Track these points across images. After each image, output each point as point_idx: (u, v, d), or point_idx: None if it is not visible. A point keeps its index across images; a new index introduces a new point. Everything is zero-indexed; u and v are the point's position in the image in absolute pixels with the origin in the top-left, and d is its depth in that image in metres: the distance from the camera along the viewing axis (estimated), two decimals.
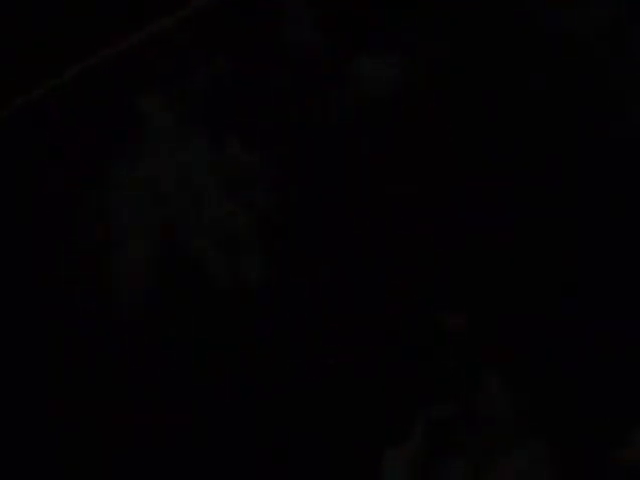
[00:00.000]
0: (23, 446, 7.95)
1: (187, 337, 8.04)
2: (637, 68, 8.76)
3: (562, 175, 8.45)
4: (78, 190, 8.36)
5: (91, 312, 8.08)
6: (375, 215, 8.39)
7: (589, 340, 7.13)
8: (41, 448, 8.06)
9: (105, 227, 7.94)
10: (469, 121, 8.94)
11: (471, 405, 6.59)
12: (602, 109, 8.76)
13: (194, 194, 7.89)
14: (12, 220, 8.45)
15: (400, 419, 6.95)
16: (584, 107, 8.62)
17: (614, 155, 8.51)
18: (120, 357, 8.09)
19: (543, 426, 6.39)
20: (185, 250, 7.97)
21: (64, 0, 8.47)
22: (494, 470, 6.18)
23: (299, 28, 8.59)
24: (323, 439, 7.35)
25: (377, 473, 6.77)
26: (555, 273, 7.84)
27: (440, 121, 8.99)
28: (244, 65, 9.12)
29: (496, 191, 8.52)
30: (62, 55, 8.32)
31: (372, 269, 8.07)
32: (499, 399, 6.39)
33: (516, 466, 6.05)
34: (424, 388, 7.12)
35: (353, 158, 8.91)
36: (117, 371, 8.05)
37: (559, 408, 6.68)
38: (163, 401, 7.95)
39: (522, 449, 6.12)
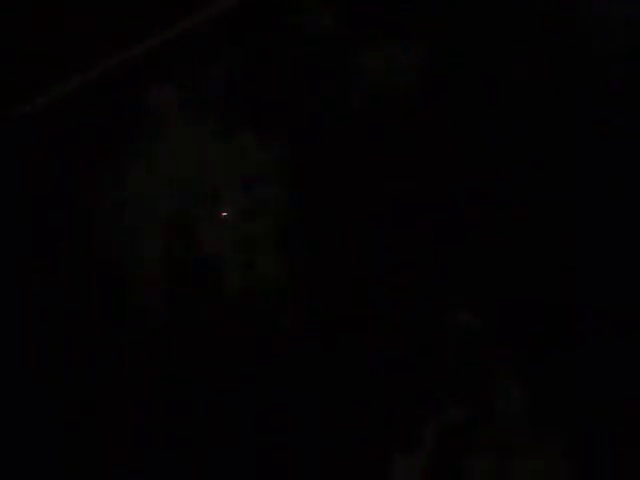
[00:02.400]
0: (32, 451, 7.83)
1: (202, 339, 7.97)
2: (637, 66, 8.84)
3: (567, 171, 8.47)
4: (93, 190, 8.35)
5: (106, 314, 8.00)
6: (386, 212, 8.37)
7: (605, 337, 7.11)
8: (48, 451, 7.94)
9: (119, 226, 7.91)
10: (477, 114, 8.94)
11: (486, 408, 6.51)
12: (602, 104, 8.82)
13: (210, 192, 7.87)
14: (27, 220, 8.41)
15: (410, 424, 6.85)
16: (585, 102, 8.67)
17: (614, 152, 8.55)
18: (134, 358, 7.98)
19: (560, 427, 6.34)
20: (200, 249, 7.95)
21: (71, 2, 8.54)
22: (510, 474, 6.09)
23: (316, 19, 8.62)
24: (329, 445, 7.24)
25: (389, 476, 6.65)
26: (568, 268, 7.84)
27: (455, 112, 8.99)
28: (258, 57, 9.15)
29: (503, 187, 8.52)
30: (73, 57, 8.37)
31: (384, 268, 8.06)
32: (515, 400, 6.33)
33: (533, 468, 6.00)
34: (436, 391, 7.05)
35: (369, 152, 8.90)
36: (130, 371, 7.93)
37: (576, 407, 6.63)
38: (176, 402, 7.83)
39: (539, 451, 6.06)
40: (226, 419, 7.48)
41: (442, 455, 6.41)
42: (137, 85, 8.12)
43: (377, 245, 7.95)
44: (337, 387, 7.37)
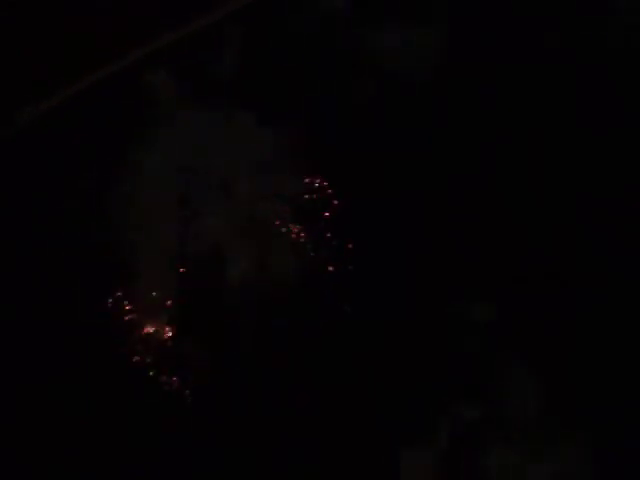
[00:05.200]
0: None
1: (212, 330, 7.76)
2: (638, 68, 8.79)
3: (581, 169, 8.37)
4: (106, 180, 8.02)
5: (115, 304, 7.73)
6: (400, 205, 8.21)
7: (622, 331, 7.04)
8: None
9: (132, 216, 7.64)
10: (495, 101, 8.74)
11: (501, 404, 6.28)
12: (603, 107, 8.76)
13: (219, 178, 7.63)
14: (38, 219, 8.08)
15: (424, 420, 6.62)
16: (589, 103, 8.62)
17: (615, 152, 8.52)
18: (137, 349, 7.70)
19: (576, 423, 6.15)
20: (212, 238, 7.72)
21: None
22: (525, 472, 5.90)
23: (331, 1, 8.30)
24: (340, 440, 7.06)
25: (398, 477, 6.40)
26: (586, 264, 7.76)
27: (473, 98, 8.79)
28: (265, 39, 8.84)
29: (521, 183, 8.43)
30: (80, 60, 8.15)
31: (398, 260, 7.93)
32: (530, 396, 6.13)
33: (548, 466, 5.82)
34: (450, 387, 6.81)
35: (378, 139, 8.68)
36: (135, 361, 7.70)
37: (593, 403, 6.47)
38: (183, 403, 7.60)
39: (554, 449, 5.90)
40: (237, 410, 7.31)
41: (454, 452, 6.20)
42: (135, 72, 7.92)
43: (392, 236, 7.79)
44: (349, 382, 7.21)
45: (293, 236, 7.59)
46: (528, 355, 7.17)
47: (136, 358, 7.36)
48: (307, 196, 7.36)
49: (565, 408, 6.58)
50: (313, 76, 8.07)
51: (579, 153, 10.23)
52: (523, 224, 8.94)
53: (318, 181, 7.48)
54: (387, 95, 8.29)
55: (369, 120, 7.91)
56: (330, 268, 7.51)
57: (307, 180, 7.39)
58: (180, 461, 8.29)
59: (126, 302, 7.38)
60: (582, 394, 6.71)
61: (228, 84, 7.81)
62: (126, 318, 7.30)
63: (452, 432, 6.56)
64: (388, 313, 7.54)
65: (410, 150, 8.38)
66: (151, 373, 7.42)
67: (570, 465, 6.28)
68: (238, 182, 7.57)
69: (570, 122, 9.88)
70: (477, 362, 7.17)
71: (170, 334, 7.27)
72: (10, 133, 7.54)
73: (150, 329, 7.36)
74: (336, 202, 7.54)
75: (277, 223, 7.34)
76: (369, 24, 8.83)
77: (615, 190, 10.14)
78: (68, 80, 7.27)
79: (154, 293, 7.17)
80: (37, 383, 8.23)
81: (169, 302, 7.30)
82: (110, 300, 7.26)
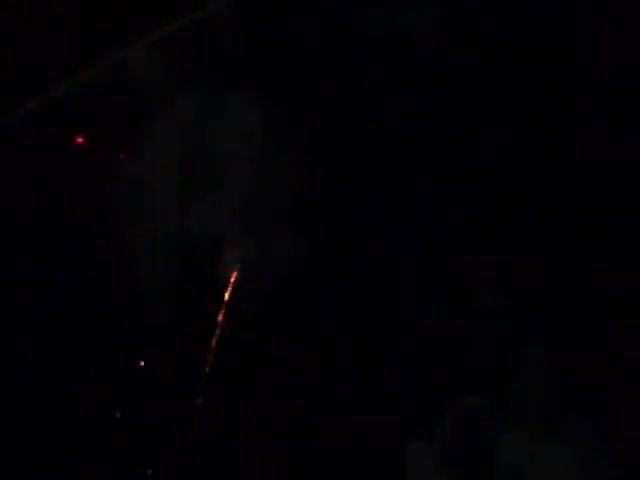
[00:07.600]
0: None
1: (208, 317, 7.75)
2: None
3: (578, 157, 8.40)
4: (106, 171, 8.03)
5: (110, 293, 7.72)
6: (404, 192, 8.19)
7: (629, 319, 6.97)
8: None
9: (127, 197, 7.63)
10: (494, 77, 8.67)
11: (505, 395, 6.21)
12: (601, 108, 8.77)
13: (215, 162, 7.60)
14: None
15: (427, 412, 6.56)
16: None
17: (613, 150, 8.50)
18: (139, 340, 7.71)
19: (581, 416, 6.05)
20: (211, 225, 7.70)
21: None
22: (528, 467, 5.82)
23: None
24: (345, 431, 6.99)
25: (402, 470, 6.32)
26: (586, 258, 7.71)
27: (470, 73, 8.73)
28: (258, 17, 8.81)
29: (525, 172, 8.43)
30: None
31: (399, 250, 7.89)
32: (534, 386, 6.08)
33: (551, 462, 5.74)
34: (454, 378, 6.74)
35: (377, 121, 8.65)
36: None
37: (599, 396, 6.35)
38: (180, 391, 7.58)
39: (557, 442, 5.81)
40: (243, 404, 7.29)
41: (458, 443, 6.14)
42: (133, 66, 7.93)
43: (393, 226, 7.75)
44: (354, 372, 7.15)
45: (292, 222, 7.56)
46: (532, 349, 7.15)
47: (135, 355, 7.37)
48: (306, 182, 7.35)
49: (570, 400, 6.55)
50: (310, 52, 8.06)
51: (579, 143, 10.30)
52: (524, 216, 8.97)
53: (318, 167, 7.48)
54: (386, 76, 8.31)
55: (369, 101, 7.88)
56: (329, 259, 7.51)
57: (307, 166, 7.39)
58: (179, 460, 8.32)
59: (125, 296, 7.41)
60: (587, 386, 6.68)
61: (226, 66, 7.81)
62: (125, 313, 7.30)
63: (455, 427, 6.53)
64: (389, 306, 7.54)
65: (411, 137, 8.39)
66: (150, 369, 7.44)
67: (572, 460, 6.24)
68: (236, 168, 7.55)
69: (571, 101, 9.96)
70: (480, 354, 7.15)
71: (169, 331, 7.28)
72: (10, 126, 7.60)
73: (150, 324, 7.37)
74: (336, 190, 7.55)
75: (276, 209, 7.33)
76: None
77: (615, 183, 10.21)
78: (68, 75, 7.34)
79: (154, 285, 7.17)
80: (36, 383, 8.27)
81: (168, 296, 7.31)
82: (109, 295, 7.27)
